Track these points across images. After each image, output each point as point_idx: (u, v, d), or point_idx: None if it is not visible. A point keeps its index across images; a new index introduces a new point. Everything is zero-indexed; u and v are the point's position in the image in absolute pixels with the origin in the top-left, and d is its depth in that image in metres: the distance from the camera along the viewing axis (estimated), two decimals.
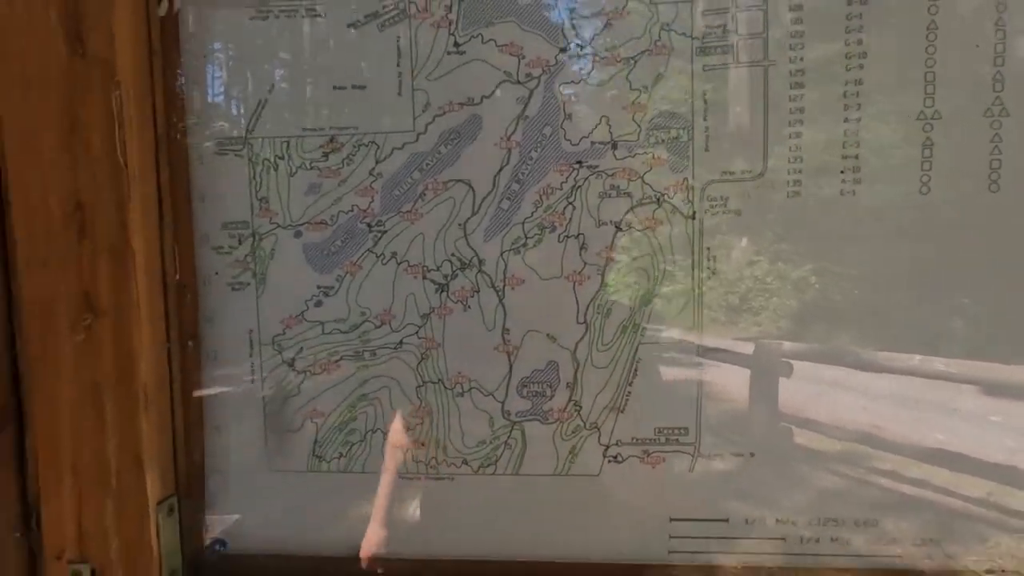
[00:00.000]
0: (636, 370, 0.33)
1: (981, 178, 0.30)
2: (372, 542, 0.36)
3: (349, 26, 0.33)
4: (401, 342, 0.35)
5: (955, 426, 0.32)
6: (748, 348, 0.33)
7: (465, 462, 0.35)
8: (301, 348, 0.36)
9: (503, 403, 0.34)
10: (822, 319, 0.32)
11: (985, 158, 0.30)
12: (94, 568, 0.35)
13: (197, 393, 0.36)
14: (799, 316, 0.32)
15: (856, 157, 0.31)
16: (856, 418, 0.32)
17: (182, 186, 0.35)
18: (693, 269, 0.33)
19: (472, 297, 0.34)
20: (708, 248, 0.33)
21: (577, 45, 0.32)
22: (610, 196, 0.33)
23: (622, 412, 0.34)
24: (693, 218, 0.33)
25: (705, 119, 0.32)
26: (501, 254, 0.34)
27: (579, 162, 0.33)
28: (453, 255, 0.34)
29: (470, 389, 0.34)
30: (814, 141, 0.32)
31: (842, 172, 0.31)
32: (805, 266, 0.32)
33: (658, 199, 0.33)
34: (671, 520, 0.34)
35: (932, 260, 0.31)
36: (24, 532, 0.35)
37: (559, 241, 0.33)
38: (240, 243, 0.35)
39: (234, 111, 0.35)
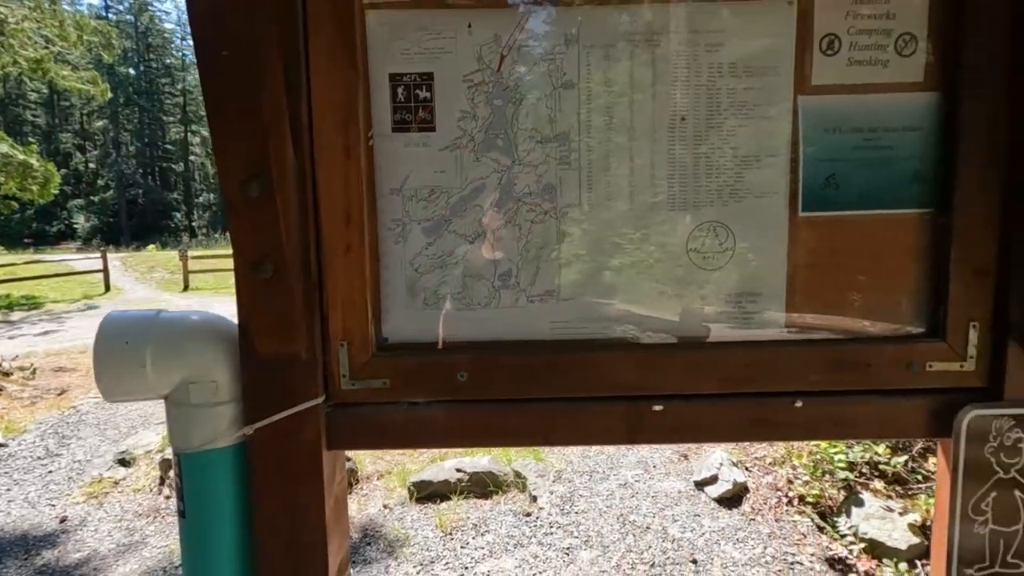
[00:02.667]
0: (538, 270, 0.98)
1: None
2: (447, 333, 1.00)
3: (440, 150, 0.95)
4: (456, 262, 0.98)
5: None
6: (574, 248, 0.98)
7: (479, 303, 0.99)
8: (419, 264, 0.98)
9: (492, 282, 0.98)
10: (580, 243, 0.98)
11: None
12: (349, 342, 0.97)
13: (382, 282, 0.98)
14: (584, 241, 0.98)
15: (606, 187, 0.96)
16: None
17: (375, 212, 0.96)
18: (556, 235, 0.97)
19: (481, 244, 0.97)
20: (562, 230, 0.97)
21: (517, 161, 0.95)
22: (529, 211, 0.97)
23: (532, 284, 0.98)
24: (557, 219, 0.97)
25: (560, 188, 0.96)
26: (491, 231, 0.97)
27: (518, 199, 0.96)
28: (475, 230, 0.97)
29: (481, 278, 0.98)
30: (596, 189, 0.96)
31: (605, 198, 0.96)
32: (589, 232, 0.97)
33: (546, 212, 0.97)
34: (551, 321, 0.99)
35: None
36: (320, 328, 0.96)
37: (513, 225, 0.97)
38: (397, 226, 0.97)
39: (394, 185, 0.96)
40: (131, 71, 57.15)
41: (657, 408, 0.98)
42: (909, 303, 0.98)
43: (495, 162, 0.95)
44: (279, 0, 0.85)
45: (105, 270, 16.19)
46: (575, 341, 0.99)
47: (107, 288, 15.91)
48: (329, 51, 0.89)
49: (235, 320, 0.94)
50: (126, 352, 0.91)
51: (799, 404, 0.97)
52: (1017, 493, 0.97)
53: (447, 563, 2.52)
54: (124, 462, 3.97)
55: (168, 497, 3.30)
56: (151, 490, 3.53)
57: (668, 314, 0.99)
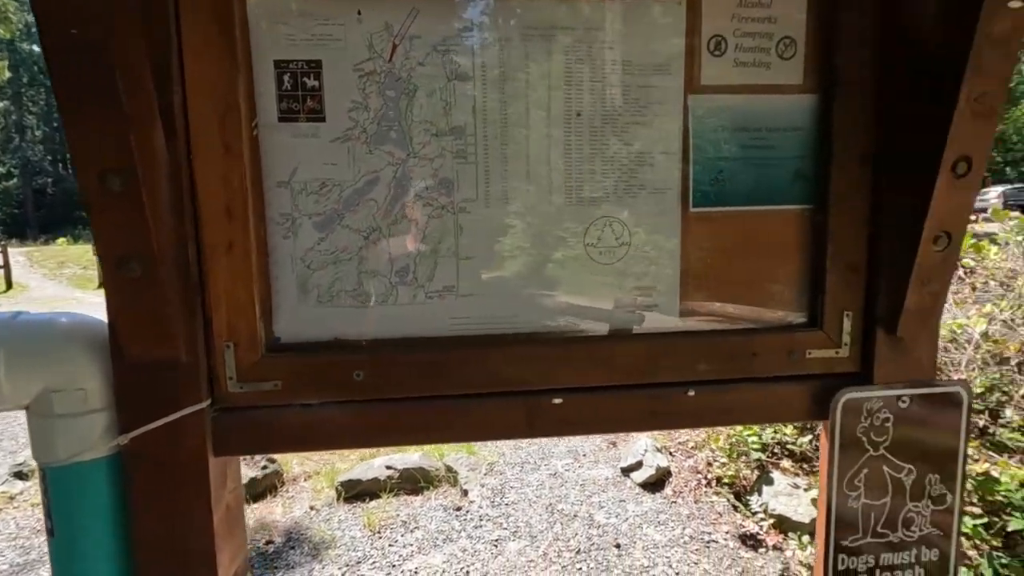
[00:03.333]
0: (436, 265, 0.96)
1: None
2: (342, 331, 0.97)
3: (331, 141, 0.91)
4: (351, 258, 0.95)
5: None
6: (472, 243, 0.97)
7: (376, 300, 0.96)
8: (311, 260, 0.94)
9: (389, 279, 0.96)
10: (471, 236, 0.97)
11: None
12: (236, 343, 0.91)
13: (272, 279, 0.94)
14: (483, 236, 0.97)
15: (504, 181, 0.96)
16: None
17: (262, 206, 0.92)
18: (454, 230, 0.96)
19: (377, 239, 0.94)
20: (461, 225, 0.96)
21: (413, 154, 0.93)
22: (427, 206, 0.95)
23: (431, 280, 0.96)
24: (455, 214, 0.95)
25: (457, 182, 0.94)
26: (387, 226, 0.94)
27: (416, 194, 0.94)
28: (370, 225, 0.94)
29: (377, 274, 0.95)
30: (493, 184, 0.95)
31: (503, 192, 0.96)
32: (488, 227, 0.96)
33: (444, 207, 0.95)
34: (451, 317, 0.98)
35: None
36: (204, 329, 0.91)
37: (408, 220, 0.95)
38: (287, 221, 0.93)
39: (282, 177, 0.92)
40: (35, 48, 52.21)
41: (557, 401, 0.99)
42: (791, 295, 1.04)
43: (389, 155, 0.92)
44: None
45: (6, 266, 14.82)
46: (475, 337, 0.98)
47: (8, 285, 14.58)
48: (204, 35, 0.84)
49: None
50: None
51: (691, 393, 1.01)
52: (885, 468, 1.05)
53: (374, 562, 2.47)
54: (21, 475, 3.65)
55: None
56: None
57: (566, 308, 1.00)
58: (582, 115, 0.96)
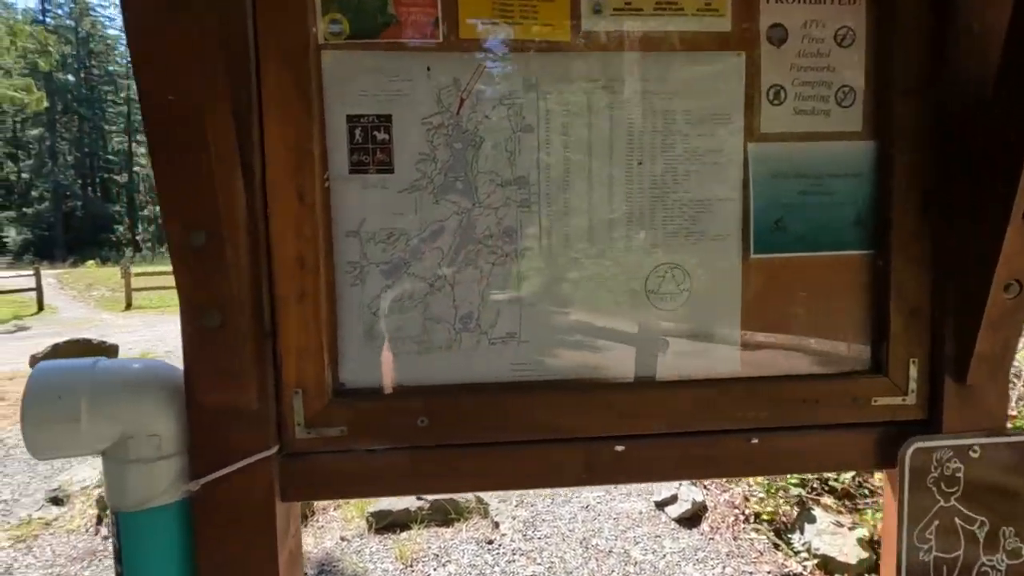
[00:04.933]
0: (499, 312, 0.97)
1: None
2: (406, 377, 0.98)
3: (399, 192, 0.94)
4: (416, 305, 0.96)
5: None
6: (535, 290, 0.98)
7: (440, 346, 0.97)
8: (377, 308, 0.96)
9: (453, 325, 0.97)
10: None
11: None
12: (304, 389, 0.93)
13: (339, 326, 0.95)
14: (545, 283, 0.98)
15: (565, 229, 0.97)
16: None
17: (332, 255, 0.94)
18: (517, 277, 0.97)
19: (442, 287, 0.96)
20: (523, 272, 0.97)
21: (478, 203, 0.95)
22: (491, 254, 0.96)
23: (494, 327, 0.97)
24: (518, 261, 0.97)
25: (520, 230, 0.96)
26: (452, 273, 0.96)
27: (479, 241, 0.96)
28: (435, 273, 0.96)
29: (441, 320, 0.97)
30: (556, 231, 0.97)
31: (565, 240, 0.97)
32: (550, 274, 0.97)
33: (507, 255, 0.96)
34: (512, 363, 0.98)
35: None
36: (274, 376, 0.93)
37: (472, 268, 0.96)
38: (355, 269, 0.95)
39: (351, 227, 0.94)
40: (71, 78, 54.47)
41: (619, 448, 0.98)
42: (854, 340, 1.02)
43: (455, 204, 0.94)
44: (229, 41, 0.83)
45: (39, 288, 15.26)
46: (536, 383, 0.98)
47: (40, 307, 14.98)
48: (282, 93, 0.87)
49: (181, 367, 0.90)
50: (58, 407, 0.85)
51: (755, 441, 1.00)
52: (957, 520, 1.01)
53: None
54: (57, 500, 3.71)
55: (106, 538, 3.10)
56: (87, 531, 3.30)
57: (627, 355, 1.00)
58: (643, 164, 0.97)
